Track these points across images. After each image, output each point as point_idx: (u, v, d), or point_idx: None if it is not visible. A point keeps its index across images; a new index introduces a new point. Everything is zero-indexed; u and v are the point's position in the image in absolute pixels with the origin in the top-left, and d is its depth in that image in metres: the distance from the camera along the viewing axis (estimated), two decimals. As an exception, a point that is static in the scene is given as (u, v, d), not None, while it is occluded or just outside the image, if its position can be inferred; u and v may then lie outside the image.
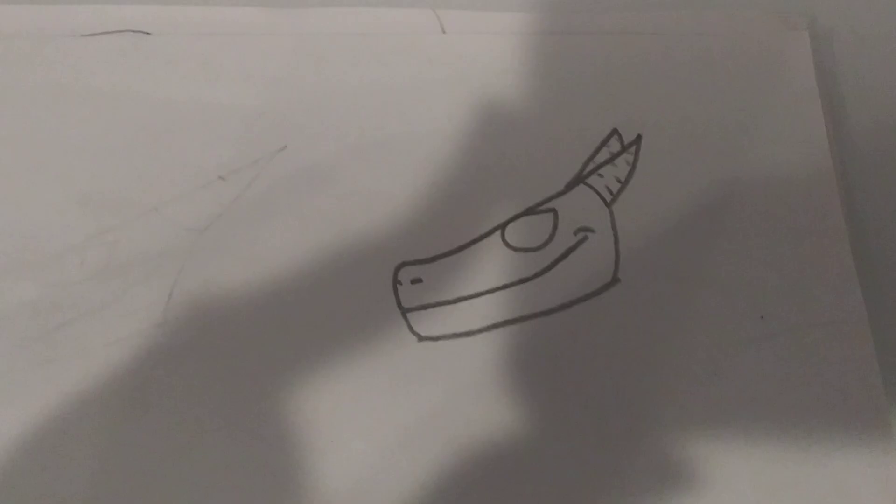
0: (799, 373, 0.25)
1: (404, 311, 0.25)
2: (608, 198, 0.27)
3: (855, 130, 0.28)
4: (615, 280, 0.26)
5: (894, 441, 0.24)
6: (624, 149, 0.28)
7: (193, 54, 0.28)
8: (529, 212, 0.27)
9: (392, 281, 0.26)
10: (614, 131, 0.28)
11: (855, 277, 0.26)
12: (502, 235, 0.27)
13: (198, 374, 0.24)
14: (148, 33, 0.28)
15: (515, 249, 0.26)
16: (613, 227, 0.27)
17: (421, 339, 0.25)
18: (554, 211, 0.27)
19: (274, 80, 0.28)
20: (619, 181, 0.27)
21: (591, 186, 0.27)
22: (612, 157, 0.28)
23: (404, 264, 0.26)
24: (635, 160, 0.28)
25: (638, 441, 0.24)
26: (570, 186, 0.27)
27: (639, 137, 0.28)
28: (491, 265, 0.26)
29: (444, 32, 0.29)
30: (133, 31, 0.28)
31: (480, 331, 0.25)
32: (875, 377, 0.25)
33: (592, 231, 0.27)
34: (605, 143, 0.28)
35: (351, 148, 0.27)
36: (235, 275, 0.26)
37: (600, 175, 0.27)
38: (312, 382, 0.24)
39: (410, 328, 0.25)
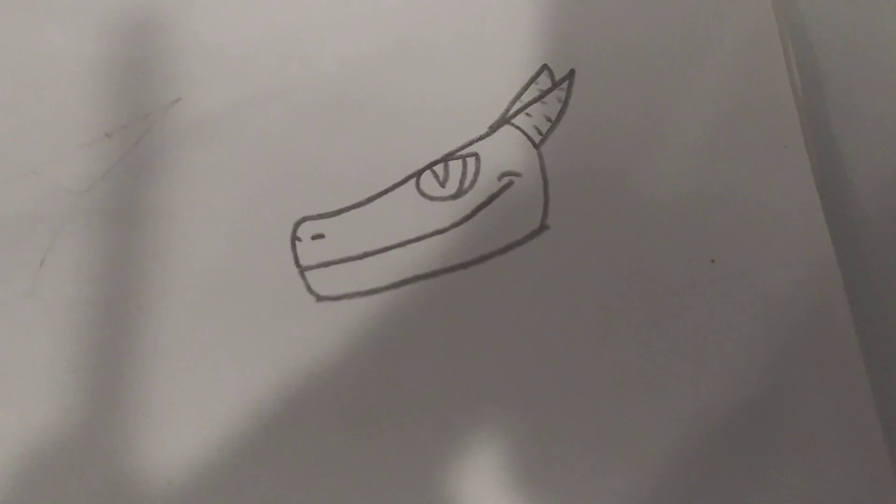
0: (755, 322, 0.21)
1: (302, 270, 0.22)
2: (537, 139, 0.24)
3: (818, 52, 0.25)
4: (543, 227, 0.23)
5: (868, 396, 0.20)
6: (555, 85, 0.25)
7: (81, 4, 0.26)
8: (449, 157, 0.24)
9: (291, 237, 0.23)
10: (544, 67, 0.25)
11: (820, 212, 0.22)
12: (417, 184, 0.24)
13: (69, 349, 0.21)
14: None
15: (431, 199, 0.23)
16: (542, 170, 0.24)
17: (320, 299, 0.22)
18: (476, 155, 0.24)
19: (167, 29, 0.26)
20: (548, 120, 0.24)
21: (517, 127, 0.24)
22: (542, 95, 0.25)
23: (305, 219, 0.23)
24: (567, 97, 0.24)
25: (568, 405, 0.21)
26: (494, 128, 0.24)
27: (571, 72, 0.25)
28: (403, 217, 0.23)
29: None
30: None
31: (387, 288, 0.22)
32: (847, 325, 0.21)
33: (519, 175, 0.24)
34: (533, 79, 0.25)
35: (250, 97, 0.25)
36: (116, 238, 0.23)
37: (528, 115, 0.24)
38: (199, 350, 0.22)
39: (308, 288, 0.22)
